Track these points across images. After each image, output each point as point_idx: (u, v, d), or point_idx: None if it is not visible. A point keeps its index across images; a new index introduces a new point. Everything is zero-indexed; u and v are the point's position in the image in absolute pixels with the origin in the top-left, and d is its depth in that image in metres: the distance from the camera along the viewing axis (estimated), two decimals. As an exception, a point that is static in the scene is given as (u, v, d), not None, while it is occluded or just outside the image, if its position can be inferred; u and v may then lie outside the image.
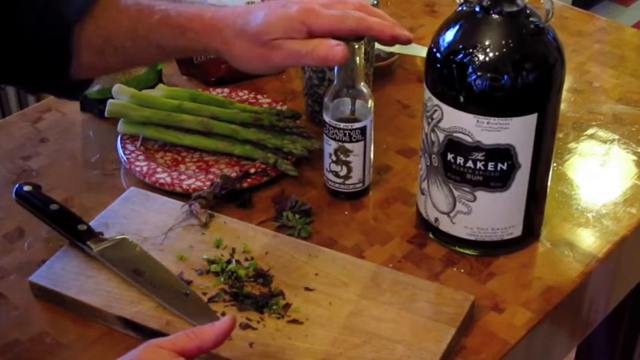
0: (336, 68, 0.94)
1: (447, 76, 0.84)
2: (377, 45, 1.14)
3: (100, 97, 1.12)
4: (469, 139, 0.84)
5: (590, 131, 1.11)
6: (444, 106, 0.84)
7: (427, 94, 0.87)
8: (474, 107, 0.83)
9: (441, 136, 0.86)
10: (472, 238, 0.90)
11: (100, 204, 0.97)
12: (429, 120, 0.87)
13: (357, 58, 0.93)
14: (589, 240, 0.95)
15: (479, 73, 0.82)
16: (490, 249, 0.91)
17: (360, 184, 0.99)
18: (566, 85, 1.20)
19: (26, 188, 0.94)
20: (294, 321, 0.82)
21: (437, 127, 0.86)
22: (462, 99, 0.83)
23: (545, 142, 0.87)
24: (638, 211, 0.98)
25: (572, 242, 0.94)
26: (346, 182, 0.98)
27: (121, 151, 1.04)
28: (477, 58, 0.82)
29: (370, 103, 0.96)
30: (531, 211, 0.90)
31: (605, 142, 1.10)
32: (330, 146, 0.97)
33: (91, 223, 0.92)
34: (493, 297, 0.87)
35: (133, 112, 1.05)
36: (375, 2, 1.04)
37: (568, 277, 0.90)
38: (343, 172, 0.98)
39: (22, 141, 1.10)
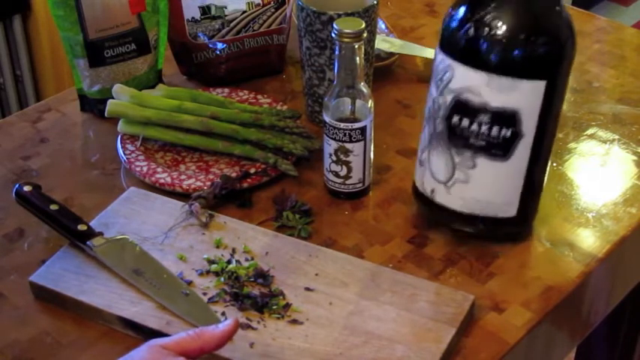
0: (336, 68, 0.94)
1: (462, 35, 0.85)
2: (377, 45, 1.14)
3: (100, 97, 1.12)
4: (477, 100, 0.85)
5: (590, 131, 1.11)
6: (456, 65, 0.85)
7: (440, 57, 0.88)
8: (486, 65, 0.84)
9: (449, 98, 0.87)
10: (466, 210, 0.91)
11: (100, 204, 0.97)
12: (439, 83, 0.88)
13: (357, 58, 0.93)
14: (589, 240, 0.95)
15: (494, 30, 0.83)
16: (483, 225, 0.91)
17: (360, 184, 0.99)
18: (566, 85, 1.20)
19: (26, 188, 0.94)
20: (294, 321, 0.82)
21: (446, 89, 0.87)
22: (474, 56, 0.84)
23: (549, 117, 0.87)
24: (638, 211, 0.98)
25: (572, 242, 0.94)
26: (346, 182, 0.98)
27: (121, 151, 1.04)
28: (492, 15, 0.83)
29: (370, 103, 0.96)
30: (528, 191, 0.90)
31: (605, 142, 1.10)
32: (330, 146, 0.97)
33: (91, 223, 0.92)
34: (493, 297, 0.87)
35: (133, 112, 1.05)
36: (375, 2, 1.04)
37: (568, 277, 0.90)
38: (343, 172, 0.98)
39: (22, 141, 1.10)
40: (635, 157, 1.07)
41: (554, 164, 1.05)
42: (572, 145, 1.09)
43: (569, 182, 1.03)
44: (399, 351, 0.79)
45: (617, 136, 1.10)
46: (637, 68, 1.25)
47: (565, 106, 1.15)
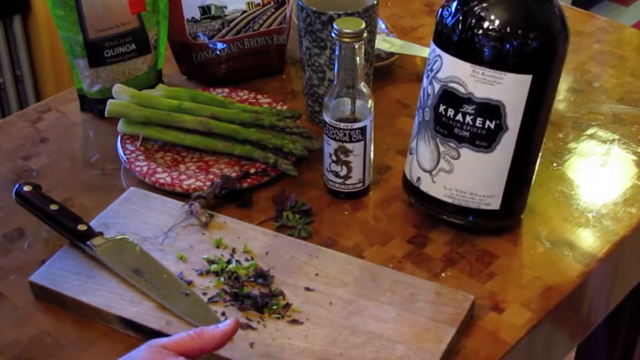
0: (336, 68, 0.94)
1: (451, 25, 0.86)
2: (377, 45, 1.14)
3: (100, 97, 1.12)
4: (462, 90, 0.86)
5: (590, 131, 1.11)
6: (444, 55, 0.87)
7: (432, 46, 0.89)
8: (471, 56, 0.85)
9: (437, 87, 0.88)
10: (450, 200, 0.91)
11: (100, 204, 0.97)
12: (429, 72, 0.89)
13: (357, 58, 0.93)
14: (589, 240, 0.95)
15: (479, 22, 0.84)
16: (467, 217, 0.92)
17: (360, 184, 0.99)
18: (566, 85, 1.20)
19: (26, 188, 0.94)
20: (294, 321, 0.82)
21: (435, 79, 0.88)
22: (461, 47, 0.85)
23: (537, 112, 0.87)
24: (638, 211, 0.98)
25: (572, 242, 0.94)
26: (346, 182, 0.98)
27: (121, 151, 1.04)
28: (479, 7, 0.84)
29: (370, 103, 0.96)
30: (512, 185, 0.91)
31: (605, 142, 1.10)
32: (330, 146, 0.97)
33: (91, 223, 0.92)
34: (493, 297, 0.87)
35: (133, 112, 1.05)
36: (375, 2, 1.04)
37: (568, 277, 0.90)
38: (343, 172, 0.98)
39: (22, 141, 1.10)
40: (635, 157, 1.07)
41: (554, 164, 1.05)
42: (572, 145, 1.09)
43: (569, 182, 1.03)
44: (399, 351, 0.79)
45: (617, 136, 1.10)
46: (637, 68, 1.25)
47: (565, 106, 1.15)
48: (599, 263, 0.92)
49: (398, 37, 1.28)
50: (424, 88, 0.90)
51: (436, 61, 0.88)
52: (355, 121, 0.95)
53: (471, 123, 0.87)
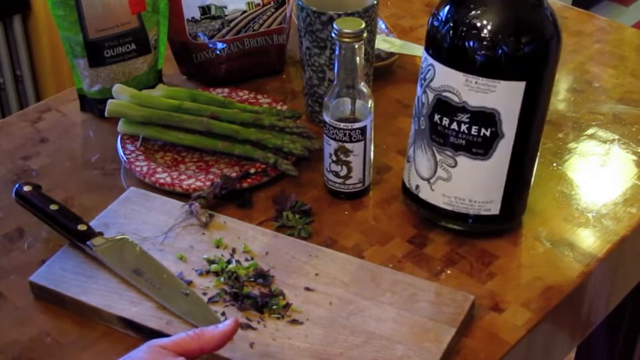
0: (336, 68, 0.94)
1: (442, 34, 0.85)
2: (377, 45, 1.14)
3: (100, 97, 1.12)
4: (456, 99, 0.85)
5: (590, 131, 1.11)
6: (437, 64, 0.86)
7: (424, 55, 0.88)
8: (464, 65, 0.84)
9: (431, 96, 0.87)
10: (449, 207, 0.91)
11: (100, 204, 0.97)
12: (422, 81, 0.89)
13: (357, 58, 0.93)
14: (589, 240, 0.95)
15: (469, 31, 0.83)
16: (466, 223, 0.92)
17: (360, 184, 0.99)
18: (566, 85, 1.20)
19: (26, 188, 0.94)
20: (294, 321, 0.82)
21: (428, 88, 0.88)
22: (453, 56, 0.85)
23: (532, 118, 0.87)
24: (638, 211, 0.98)
25: (572, 242, 0.94)
26: (346, 182, 0.98)
27: (121, 151, 1.04)
28: (469, 16, 0.84)
29: (370, 103, 0.96)
30: (511, 190, 0.91)
31: (605, 142, 1.10)
32: (330, 146, 0.97)
33: (91, 223, 0.92)
34: (493, 297, 0.87)
35: (133, 112, 1.05)
36: (375, 2, 1.04)
37: (568, 277, 0.90)
38: (343, 172, 0.98)
39: (22, 141, 1.10)
40: (635, 157, 1.07)
41: (554, 164, 1.05)
42: (572, 145, 1.09)
43: (569, 182, 1.03)
44: (399, 351, 0.79)
45: (617, 136, 1.10)
46: (637, 68, 1.25)
47: (565, 106, 1.15)
48: (599, 263, 0.92)
49: (398, 37, 1.28)
50: (418, 97, 0.90)
51: (429, 70, 0.87)
52: (355, 121, 0.95)
53: (466, 131, 0.87)
